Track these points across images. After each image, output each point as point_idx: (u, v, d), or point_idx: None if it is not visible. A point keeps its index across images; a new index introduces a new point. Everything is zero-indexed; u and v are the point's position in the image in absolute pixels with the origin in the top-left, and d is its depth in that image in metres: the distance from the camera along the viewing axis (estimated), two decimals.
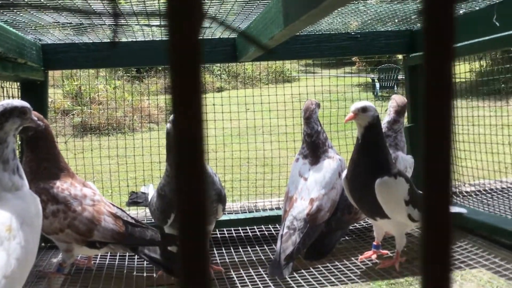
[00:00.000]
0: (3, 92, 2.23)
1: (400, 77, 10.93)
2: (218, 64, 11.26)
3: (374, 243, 2.32)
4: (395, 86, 11.03)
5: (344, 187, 2.23)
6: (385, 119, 2.55)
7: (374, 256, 2.30)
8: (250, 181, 3.70)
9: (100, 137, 6.23)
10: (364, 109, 2.10)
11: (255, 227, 2.75)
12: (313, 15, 1.35)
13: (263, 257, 2.41)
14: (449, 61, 0.26)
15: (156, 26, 2.11)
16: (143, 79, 8.02)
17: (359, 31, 2.58)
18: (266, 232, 2.72)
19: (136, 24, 2.08)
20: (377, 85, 10.98)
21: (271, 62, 4.90)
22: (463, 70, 3.19)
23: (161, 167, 2.96)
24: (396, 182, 2.08)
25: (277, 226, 2.71)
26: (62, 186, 2.08)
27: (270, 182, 3.23)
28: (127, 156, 3.12)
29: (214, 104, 3.13)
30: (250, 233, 2.71)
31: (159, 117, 8.34)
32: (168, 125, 2.06)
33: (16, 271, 1.34)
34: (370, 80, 11.38)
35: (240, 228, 2.74)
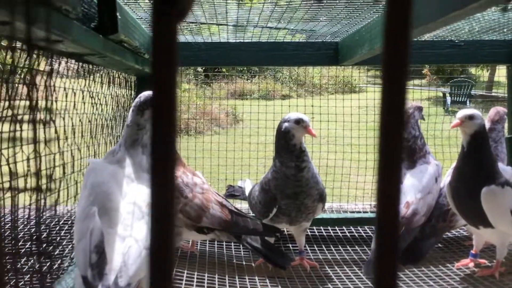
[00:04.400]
0: (126, 84, 2.40)
1: (473, 92, 10.62)
2: (285, 71, 11.42)
3: (472, 251, 2.30)
4: (468, 102, 10.71)
5: (447, 193, 2.23)
6: None
7: (471, 264, 2.28)
8: None
9: None
10: (471, 117, 2.11)
11: (343, 228, 2.81)
12: (453, 17, 1.39)
13: (355, 257, 2.45)
14: None
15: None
16: (211, 84, 8.27)
17: (463, 39, 2.57)
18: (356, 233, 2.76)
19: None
20: (448, 99, 10.71)
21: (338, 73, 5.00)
22: None
23: (225, 170, 3.01)
24: (503, 192, 2.06)
25: (359, 228, 2.78)
26: (176, 174, 2.22)
27: (331, 190, 3.17)
28: (196, 157, 3.22)
29: (281, 112, 3.13)
30: (340, 234, 2.76)
31: (226, 121, 8.55)
32: (286, 124, 2.13)
33: None
34: (441, 95, 11.11)
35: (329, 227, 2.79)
